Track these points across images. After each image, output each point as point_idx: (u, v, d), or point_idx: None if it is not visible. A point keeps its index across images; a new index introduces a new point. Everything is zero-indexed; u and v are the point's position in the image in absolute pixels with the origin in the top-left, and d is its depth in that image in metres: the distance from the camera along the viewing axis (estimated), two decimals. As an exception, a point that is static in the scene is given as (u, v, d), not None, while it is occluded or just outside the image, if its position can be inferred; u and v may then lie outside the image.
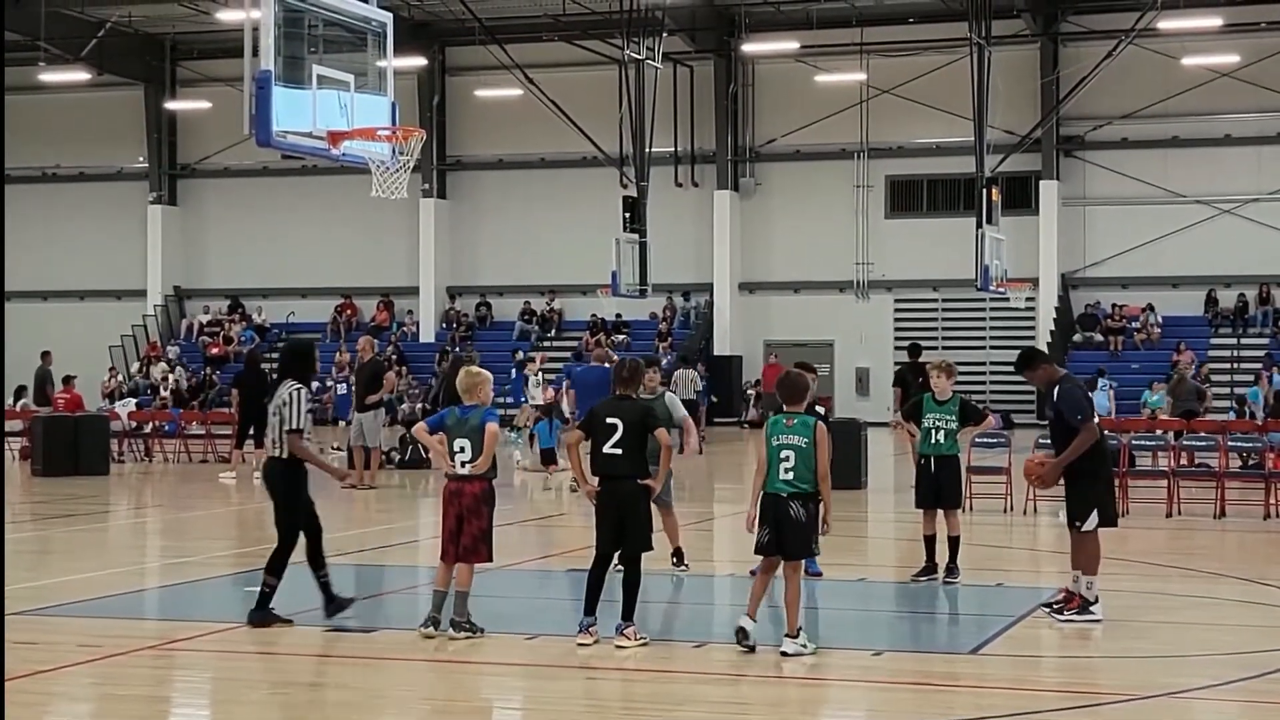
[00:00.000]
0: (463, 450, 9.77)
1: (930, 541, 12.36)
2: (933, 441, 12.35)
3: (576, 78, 40.07)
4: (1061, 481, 10.77)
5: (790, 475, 9.26)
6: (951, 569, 12.23)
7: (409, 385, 40.22)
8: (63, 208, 45.13)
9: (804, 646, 9.18)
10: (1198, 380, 29.06)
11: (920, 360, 22.47)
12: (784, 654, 9.10)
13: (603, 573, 9.72)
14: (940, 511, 12.39)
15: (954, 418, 12.32)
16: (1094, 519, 10.49)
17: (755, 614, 9.32)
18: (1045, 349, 36.87)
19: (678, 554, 12.63)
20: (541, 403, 31.83)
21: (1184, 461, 20.01)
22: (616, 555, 9.83)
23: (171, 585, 12.92)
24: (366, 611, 11.62)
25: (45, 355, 30.24)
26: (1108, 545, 14.04)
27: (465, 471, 9.78)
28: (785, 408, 9.53)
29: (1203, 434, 21.16)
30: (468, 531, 9.75)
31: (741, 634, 9.23)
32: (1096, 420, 10.77)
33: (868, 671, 9.15)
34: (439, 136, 42.67)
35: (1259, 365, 35.81)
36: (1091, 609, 10.40)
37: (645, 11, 35.98)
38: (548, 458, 22.97)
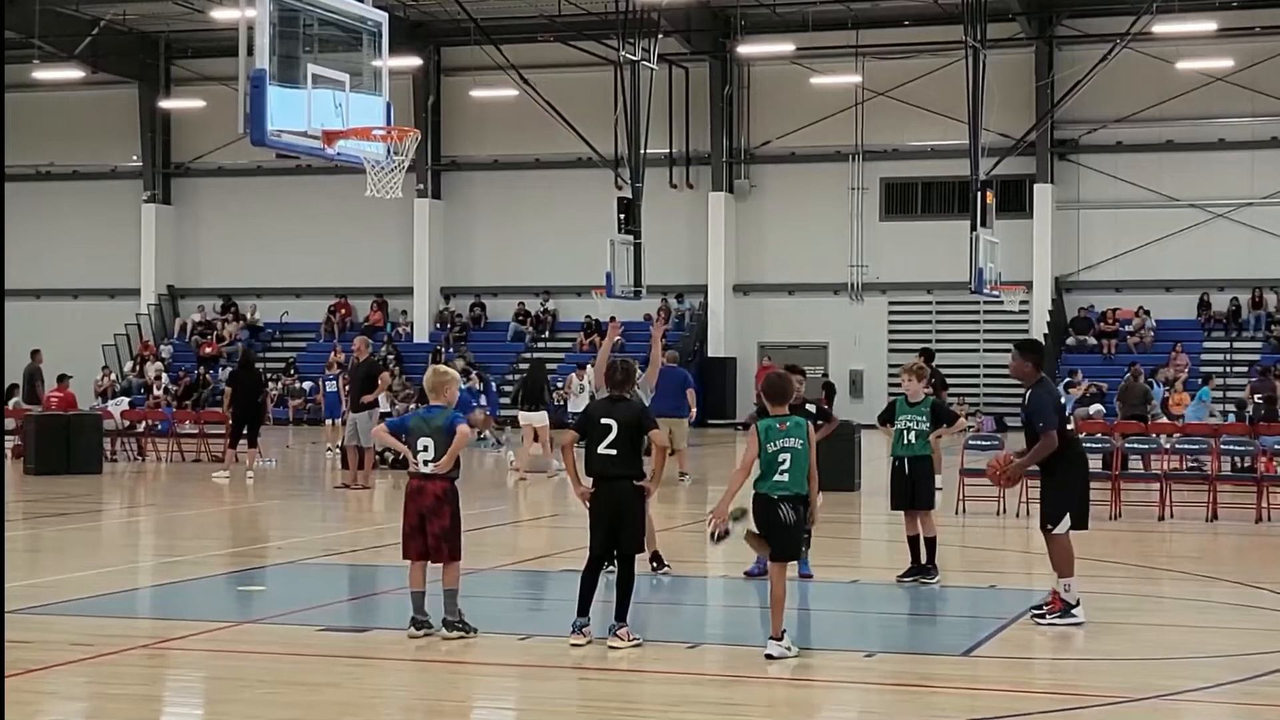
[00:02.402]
0: (426, 449, 9.77)
1: (914, 542, 12.40)
2: (905, 442, 12.45)
3: (572, 79, 40.10)
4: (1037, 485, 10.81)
5: (785, 478, 9.25)
6: (929, 569, 12.25)
7: (403, 385, 40.19)
8: (56, 206, 45.10)
9: (788, 649, 9.17)
10: (1149, 383, 29.04)
11: (933, 364, 22.47)
12: (769, 657, 9.09)
13: (596, 573, 9.72)
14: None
15: (925, 419, 12.43)
16: (1066, 522, 10.50)
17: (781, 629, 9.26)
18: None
19: (655, 558, 12.59)
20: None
21: (1176, 465, 20.05)
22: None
23: (164, 584, 12.91)
24: (360, 611, 11.63)
25: (35, 354, 30.24)
26: (1101, 548, 14.08)
27: (428, 470, 9.79)
28: (772, 410, 9.50)
29: (1196, 437, 21.20)
30: (430, 531, 9.75)
31: (779, 658, 9.15)
32: (1071, 426, 10.81)
33: (860, 673, 9.16)
34: (434, 137, 42.67)
35: (1244, 370, 35.96)
36: (1073, 612, 10.40)
37: (641, 13, 35.99)
38: None
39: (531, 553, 14.69)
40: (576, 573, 9.89)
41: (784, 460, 9.24)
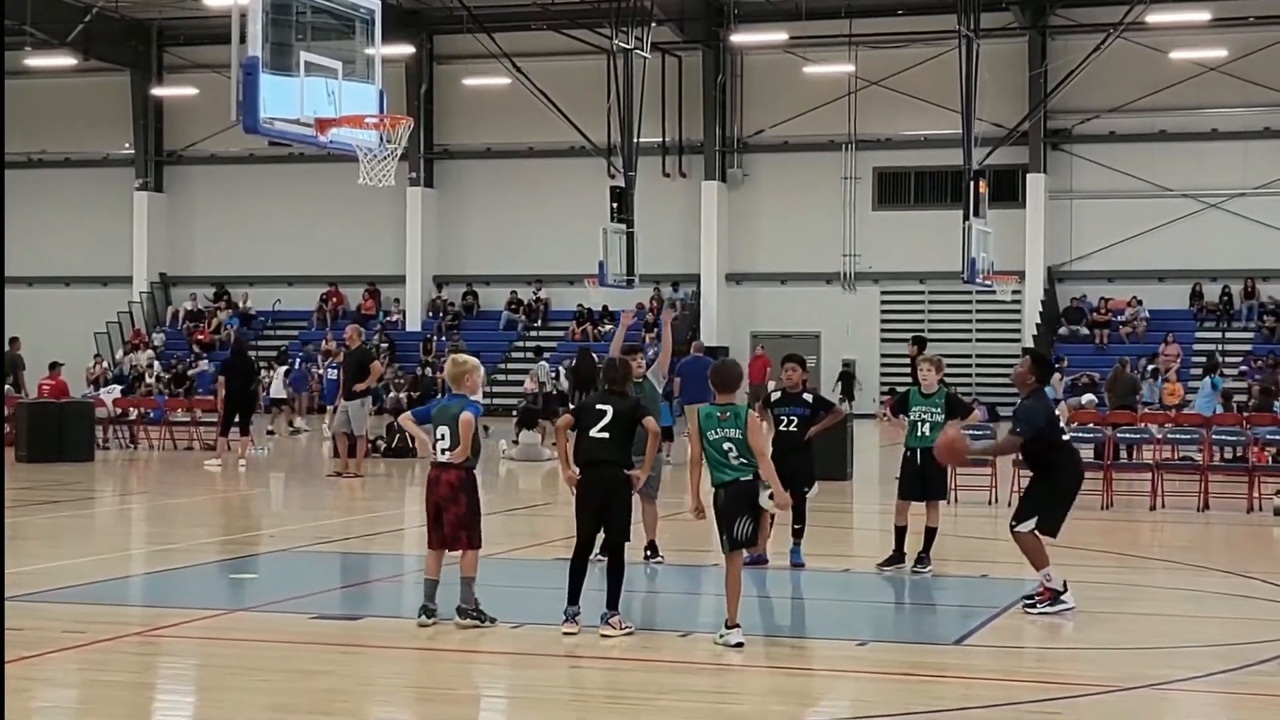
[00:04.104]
0: (443, 438, 9.78)
1: (901, 532, 12.42)
2: (919, 434, 12.39)
3: (565, 67, 40.03)
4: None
5: (742, 461, 9.26)
6: (923, 559, 12.27)
7: (395, 374, 40.20)
8: (48, 194, 44.93)
9: (740, 642, 9.16)
10: (1136, 375, 29.18)
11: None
12: (719, 642, 9.09)
13: (584, 561, 9.72)
14: (915, 503, 12.43)
15: (940, 410, 12.38)
16: (1030, 523, 10.53)
17: (738, 616, 9.27)
18: (1032, 343, 37.31)
19: (651, 547, 12.60)
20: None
21: (1168, 455, 20.08)
22: (598, 545, 9.86)
23: (157, 572, 12.91)
24: (352, 599, 11.64)
25: (14, 341, 30.03)
26: (1092, 537, 14.13)
27: (445, 459, 9.79)
28: (718, 398, 9.47)
29: (1187, 427, 21.24)
30: (447, 520, 9.76)
31: (739, 646, 9.17)
32: (1067, 437, 10.93)
33: (853, 662, 9.16)
34: (427, 125, 42.59)
35: (1239, 360, 36.07)
36: (1063, 598, 10.43)
37: (634, 1, 35.93)
38: (666, 435, 23.85)
39: (522, 541, 14.70)
40: (567, 561, 9.89)
41: (730, 448, 9.25)
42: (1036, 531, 10.51)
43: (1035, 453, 10.69)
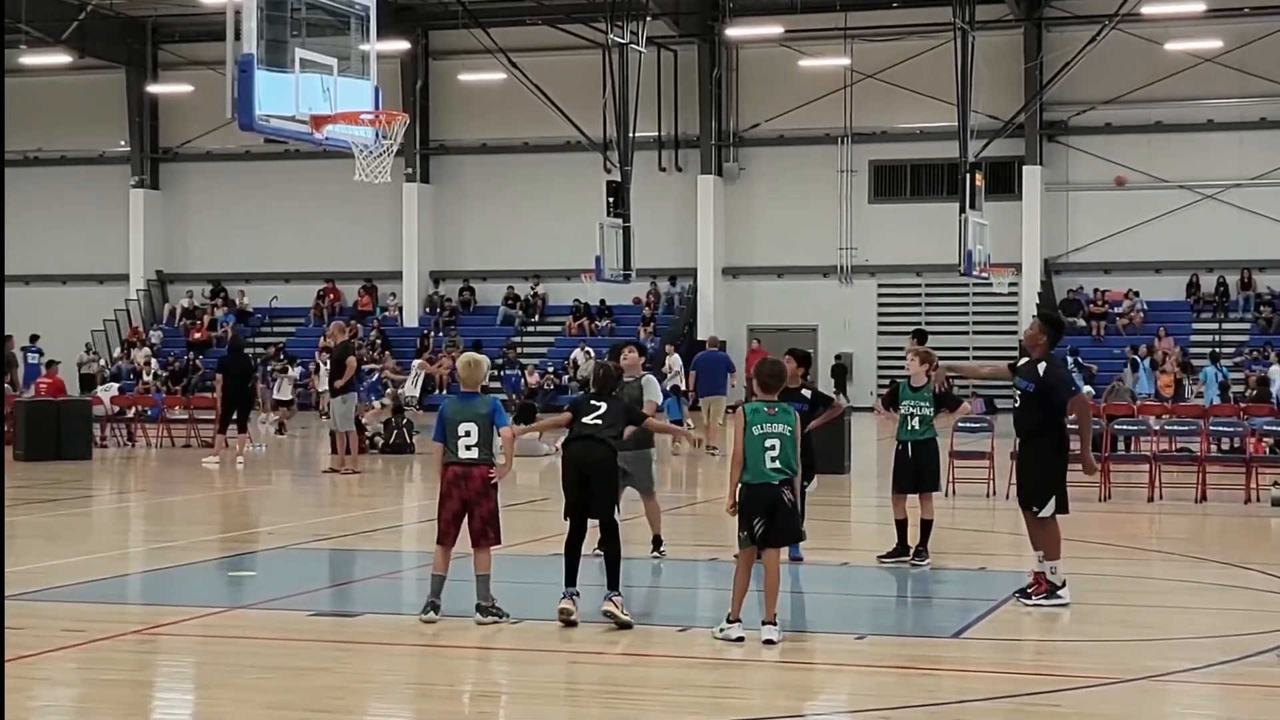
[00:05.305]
0: (468, 434, 9.75)
1: (902, 525, 12.47)
2: (909, 427, 12.50)
3: (560, 62, 40.02)
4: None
5: (777, 464, 9.26)
6: (920, 551, 12.31)
7: (394, 370, 40.17)
8: (44, 192, 44.92)
9: (781, 634, 9.18)
10: (1130, 388, 29.27)
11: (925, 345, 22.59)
12: (769, 642, 9.07)
13: (578, 544, 9.75)
14: (910, 496, 12.46)
15: (928, 403, 12.45)
16: (1051, 505, 10.51)
17: (740, 611, 9.28)
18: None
19: (656, 541, 12.64)
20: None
21: (1165, 446, 20.08)
22: (596, 541, 9.88)
23: (155, 570, 12.91)
24: (350, 596, 11.64)
25: (7, 339, 30.00)
26: (1091, 529, 14.13)
27: (474, 456, 9.77)
28: (762, 395, 9.50)
29: (1185, 418, 21.24)
30: (477, 515, 9.75)
31: (740, 641, 9.17)
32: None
33: (851, 655, 9.18)
34: (422, 121, 42.58)
35: (1231, 350, 36.07)
36: (1059, 593, 10.44)
37: (629, -5, 35.92)
38: None
39: (520, 536, 14.69)
40: (563, 556, 9.88)
41: (772, 445, 9.24)
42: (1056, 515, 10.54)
43: (1043, 413, 10.55)
